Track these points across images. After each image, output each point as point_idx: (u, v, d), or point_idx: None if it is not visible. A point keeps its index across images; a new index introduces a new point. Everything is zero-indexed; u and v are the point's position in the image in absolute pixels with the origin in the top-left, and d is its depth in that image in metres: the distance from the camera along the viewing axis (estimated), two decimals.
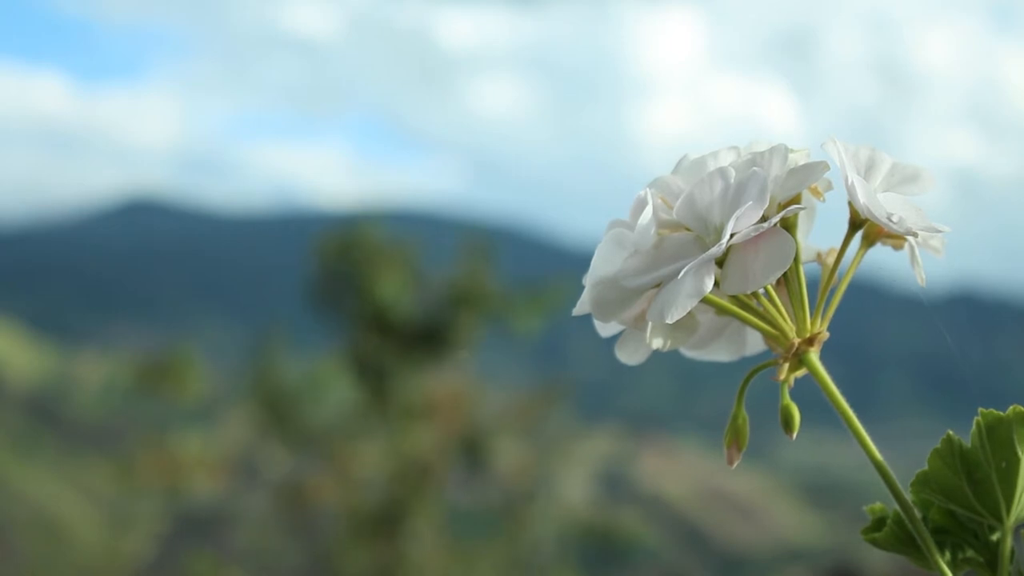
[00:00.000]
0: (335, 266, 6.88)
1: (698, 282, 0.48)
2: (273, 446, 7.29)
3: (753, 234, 0.49)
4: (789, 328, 0.52)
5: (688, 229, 0.51)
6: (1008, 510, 0.53)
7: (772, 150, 0.51)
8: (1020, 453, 0.52)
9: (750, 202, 0.49)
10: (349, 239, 6.88)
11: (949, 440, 0.53)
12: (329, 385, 7.09)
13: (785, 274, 0.51)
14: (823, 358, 0.52)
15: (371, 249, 6.86)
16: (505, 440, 7.26)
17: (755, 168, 0.50)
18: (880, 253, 0.55)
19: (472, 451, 7.20)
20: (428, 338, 6.83)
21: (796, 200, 0.51)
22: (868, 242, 0.54)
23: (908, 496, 0.53)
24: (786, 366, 0.52)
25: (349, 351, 6.85)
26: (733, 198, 0.49)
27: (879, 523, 0.55)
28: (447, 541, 7.63)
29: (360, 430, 6.97)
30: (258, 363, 7.28)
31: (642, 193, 0.51)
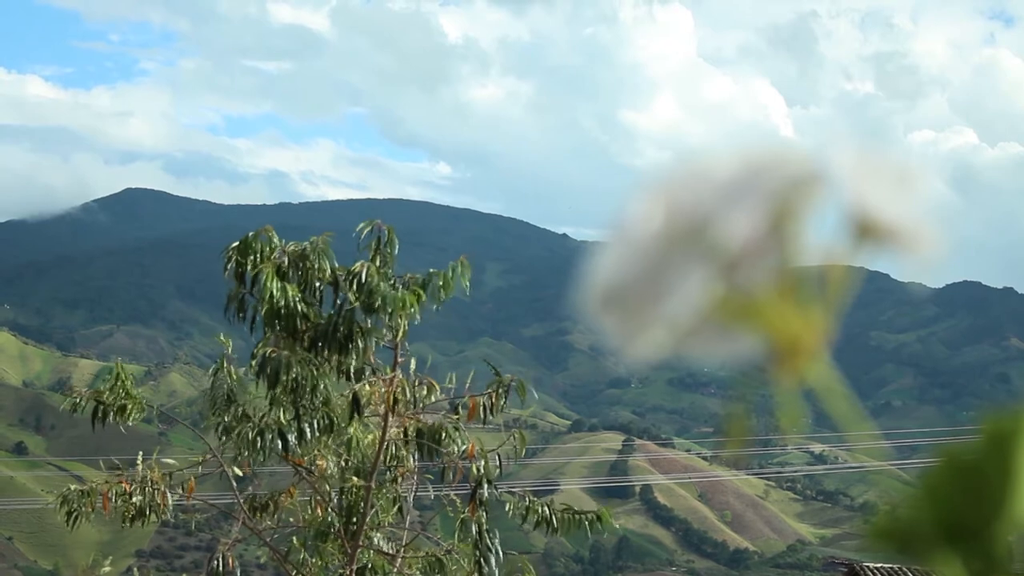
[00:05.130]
0: (242, 278, 6.97)
1: (698, 285, 0.48)
2: (235, 452, 7.32)
3: (753, 236, 0.48)
4: (790, 329, 0.51)
5: (688, 231, 0.50)
6: (1009, 513, 0.52)
7: (772, 150, 0.51)
8: (1021, 455, 0.52)
9: (750, 203, 0.49)
10: (246, 249, 6.94)
11: (951, 441, 0.53)
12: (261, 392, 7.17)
13: (786, 275, 0.51)
14: (823, 359, 0.52)
15: (264, 257, 6.92)
16: (460, 433, 7.33)
17: (755, 169, 0.50)
18: (881, 253, 0.55)
19: (424, 444, 7.26)
20: (333, 336, 6.87)
21: (796, 201, 0.51)
22: (869, 241, 0.54)
23: (909, 497, 0.53)
24: (787, 367, 0.52)
25: (258, 358, 6.91)
26: (733, 199, 0.49)
27: (880, 524, 0.55)
28: (409, 534, 7.71)
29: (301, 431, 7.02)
30: (212, 381, 7.35)
31: (641, 195, 0.51)
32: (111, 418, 7.17)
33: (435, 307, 7.12)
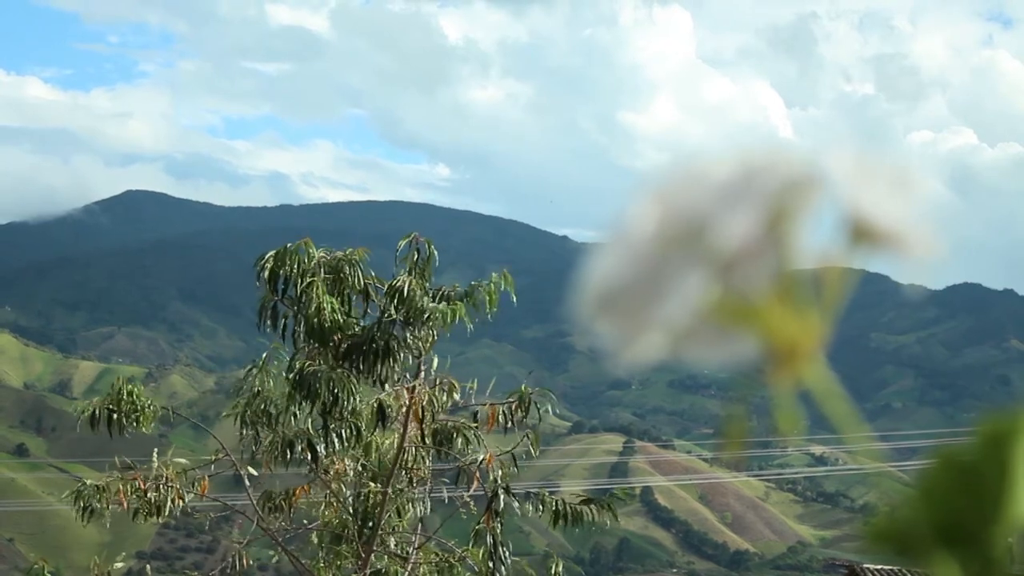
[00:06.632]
0: (275, 286, 6.98)
1: (696, 288, 0.48)
2: (256, 456, 7.34)
3: (751, 238, 0.48)
4: (788, 331, 0.51)
5: (685, 234, 0.50)
6: (1007, 514, 0.52)
7: (769, 153, 0.51)
8: (1020, 456, 0.52)
9: (748, 206, 0.49)
10: (285, 260, 6.94)
11: (949, 442, 0.53)
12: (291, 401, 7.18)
13: (783, 277, 0.51)
14: (822, 361, 0.52)
15: (306, 269, 6.93)
16: (479, 440, 7.36)
17: (751, 171, 0.50)
18: (878, 255, 0.55)
19: (443, 450, 7.29)
20: (371, 348, 6.89)
21: (793, 203, 0.51)
22: (867, 244, 0.54)
23: (908, 498, 0.53)
24: (785, 369, 0.52)
25: (293, 367, 6.92)
26: (729, 201, 0.49)
27: (879, 525, 0.55)
28: (424, 538, 7.72)
29: (325, 440, 7.03)
30: (241, 385, 7.36)
31: (639, 198, 0.51)
32: (126, 427, 7.18)
33: (488, 316, 7.19)
